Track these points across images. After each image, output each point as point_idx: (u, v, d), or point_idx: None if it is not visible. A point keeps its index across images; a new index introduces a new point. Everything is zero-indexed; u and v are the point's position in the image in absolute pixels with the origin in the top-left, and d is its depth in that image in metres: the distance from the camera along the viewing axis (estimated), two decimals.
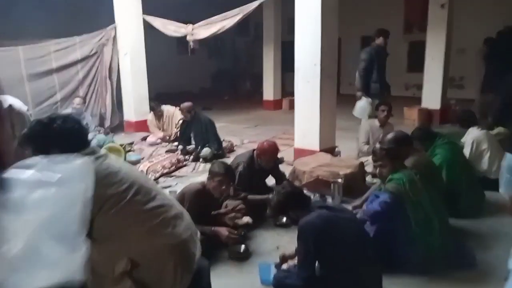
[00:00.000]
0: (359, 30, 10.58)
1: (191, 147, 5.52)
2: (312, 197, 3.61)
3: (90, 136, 5.88)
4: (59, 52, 6.54)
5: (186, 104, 5.57)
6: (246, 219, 3.07)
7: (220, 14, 6.46)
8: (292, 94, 5.36)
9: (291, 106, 7.39)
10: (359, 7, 10.72)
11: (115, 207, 1.62)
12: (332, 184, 3.57)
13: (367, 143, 4.65)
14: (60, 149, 1.65)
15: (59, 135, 1.67)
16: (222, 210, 3.13)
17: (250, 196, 3.27)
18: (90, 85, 7.01)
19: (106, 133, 6.81)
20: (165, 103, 6.62)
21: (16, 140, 2.34)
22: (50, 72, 6.47)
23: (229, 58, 14.11)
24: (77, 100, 6.12)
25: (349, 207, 3.20)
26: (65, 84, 6.67)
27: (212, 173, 2.88)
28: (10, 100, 2.53)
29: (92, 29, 6.90)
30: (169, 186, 4.38)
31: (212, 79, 13.83)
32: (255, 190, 3.39)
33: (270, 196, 2.88)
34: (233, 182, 2.97)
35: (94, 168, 1.60)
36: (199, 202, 2.77)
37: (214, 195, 2.89)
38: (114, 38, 7.04)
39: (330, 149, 4.71)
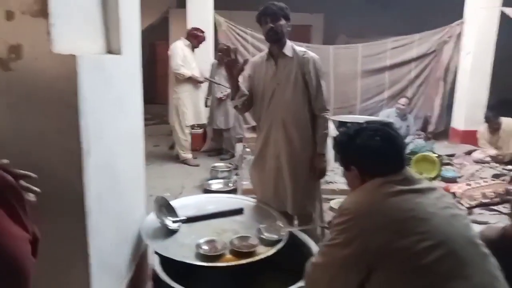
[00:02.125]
0: None
1: None
2: None
3: (408, 139, 5.56)
4: (396, 50, 6.41)
5: None
6: None
7: None
8: None
9: None
10: None
11: (398, 268, 1.17)
12: None
13: None
14: (361, 167, 1.39)
15: (361, 153, 1.39)
16: None
17: None
18: (420, 85, 6.56)
19: (427, 139, 6.25)
20: (507, 114, 5.33)
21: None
22: (383, 69, 6.48)
23: None
24: (403, 100, 5.82)
25: None
26: (394, 82, 6.53)
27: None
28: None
29: (437, 26, 6.38)
30: (485, 223, 3.43)
31: None
32: None
33: None
34: None
35: (393, 204, 1.24)
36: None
37: None
38: (459, 35, 6.25)
39: None
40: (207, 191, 3.95)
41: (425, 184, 1.35)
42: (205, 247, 1.84)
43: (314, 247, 1.94)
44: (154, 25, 9.55)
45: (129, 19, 1.95)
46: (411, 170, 1.40)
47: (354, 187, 1.43)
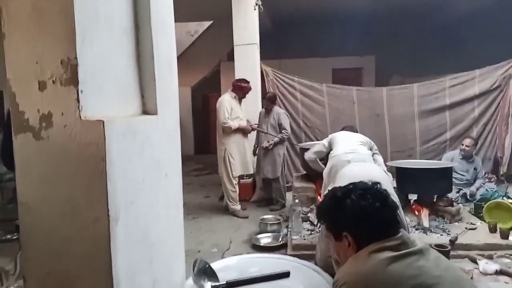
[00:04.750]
0: None
1: None
2: None
3: (477, 183, 5.04)
4: (455, 88, 6.02)
5: None
6: None
7: None
8: None
9: None
10: None
11: None
12: None
13: None
14: (352, 232, 1.25)
15: (354, 215, 1.25)
16: None
17: None
18: (486, 124, 6.05)
19: (500, 182, 5.66)
20: None
21: None
22: (442, 109, 6.09)
23: None
24: (468, 141, 5.34)
25: None
26: (457, 122, 6.08)
27: None
28: None
29: (497, 60, 5.94)
30: None
31: None
32: None
33: None
34: None
35: (396, 271, 1.09)
36: None
37: None
38: None
39: None
40: (256, 246, 3.76)
41: (420, 243, 1.20)
42: None
43: None
44: (207, 77, 9.97)
45: (166, 77, 1.94)
46: (406, 233, 1.24)
47: (346, 259, 1.26)
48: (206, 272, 1.98)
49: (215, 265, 2.11)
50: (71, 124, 1.38)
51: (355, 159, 2.90)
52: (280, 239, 3.85)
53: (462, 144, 5.33)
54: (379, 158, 3.61)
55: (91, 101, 1.43)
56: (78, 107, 1.37)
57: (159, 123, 1.86)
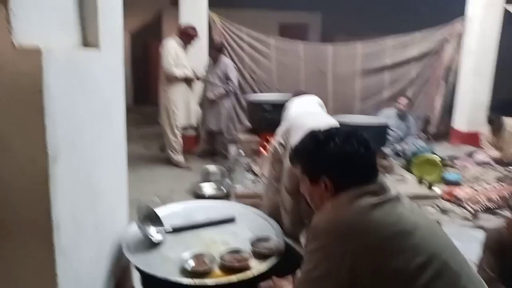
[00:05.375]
0: None
1: None
2: None
3: (408, 140, 5.39)
4: (396, 49, 6.26)
5: None
6: None
7: None
8: None
9: None
10: None
11: None
12: None
13: None
14: (332, 176, 1.20)
15: (334, 159, 1.21)
16: None
17: None
18: (422, 85, 6.41)
19: (427, 140, 6.11)
20: (510, 115, 5.20)
21: None
22: (382, 68, 6.32)
23: None
24: (403, 100, 5.63)
25: None
26: (395, 82, 6.37)
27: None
28: None
29: (440, 23, 6.21)
30: None
31: None
32: None
33: None
34: None
35: (377, 218, 1.08)
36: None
37: None
38: (460, 33, 6.09)
39: None
40: (198, 195, 3.77)
41: (394, 190, 1.20)
42: (192, 262, 1.66)
43: None
44: (148, 23, 9.37)
45: (109, 7, 1.77)
46: (382, 177, 1.25)
47: (322, 203, 1.23)
48: (151, 218, 1.94)
49: (160, 212, 2.07)
50: (2, 51, 1.22)
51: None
52: (222, 188, 3.89)
53: (399, 103, 5.61)
54: None
55: (26, 26, 1.26)
56: (10, 31, 1.21)
57: (102, 58, 1.71)
